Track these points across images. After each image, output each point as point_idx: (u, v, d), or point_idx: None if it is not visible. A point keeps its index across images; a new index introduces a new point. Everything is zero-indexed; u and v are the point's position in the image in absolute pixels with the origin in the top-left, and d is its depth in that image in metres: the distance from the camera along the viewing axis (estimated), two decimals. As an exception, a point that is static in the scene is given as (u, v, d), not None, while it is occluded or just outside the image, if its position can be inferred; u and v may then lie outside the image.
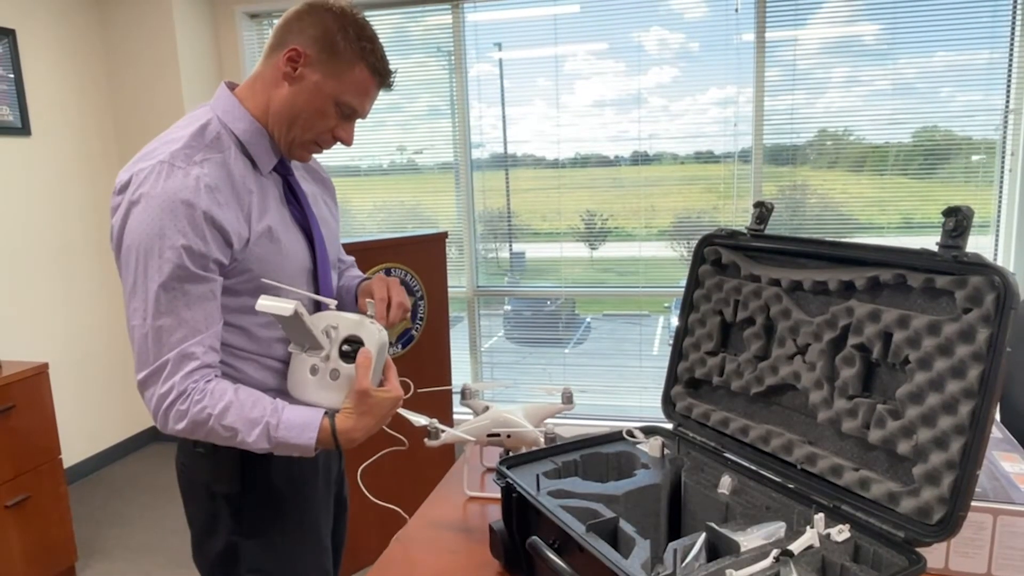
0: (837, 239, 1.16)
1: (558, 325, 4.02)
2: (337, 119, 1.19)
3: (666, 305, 3.88)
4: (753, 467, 1.21)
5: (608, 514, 1.10)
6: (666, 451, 1.32)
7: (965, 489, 0.94)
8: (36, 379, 2.60)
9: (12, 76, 3.35)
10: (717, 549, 1.02)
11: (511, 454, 1.38)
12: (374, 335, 1.17)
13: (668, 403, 1.43)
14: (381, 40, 1.20)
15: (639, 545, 1.01)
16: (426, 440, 1.32)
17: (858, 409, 1.09)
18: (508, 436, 1.43)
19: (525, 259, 3.98)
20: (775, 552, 0.96)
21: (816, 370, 1.16)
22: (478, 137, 3.81)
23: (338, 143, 1.23)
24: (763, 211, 1.30)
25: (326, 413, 1.13)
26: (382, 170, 4.01)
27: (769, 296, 1.25)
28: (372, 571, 1.23)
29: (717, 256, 1.36)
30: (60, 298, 3.65)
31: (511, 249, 3.97)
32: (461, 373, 3.97)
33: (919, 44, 3.21)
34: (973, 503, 1.08)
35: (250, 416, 1.09)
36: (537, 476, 1.18)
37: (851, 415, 1.10)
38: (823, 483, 1.11)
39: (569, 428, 1.68)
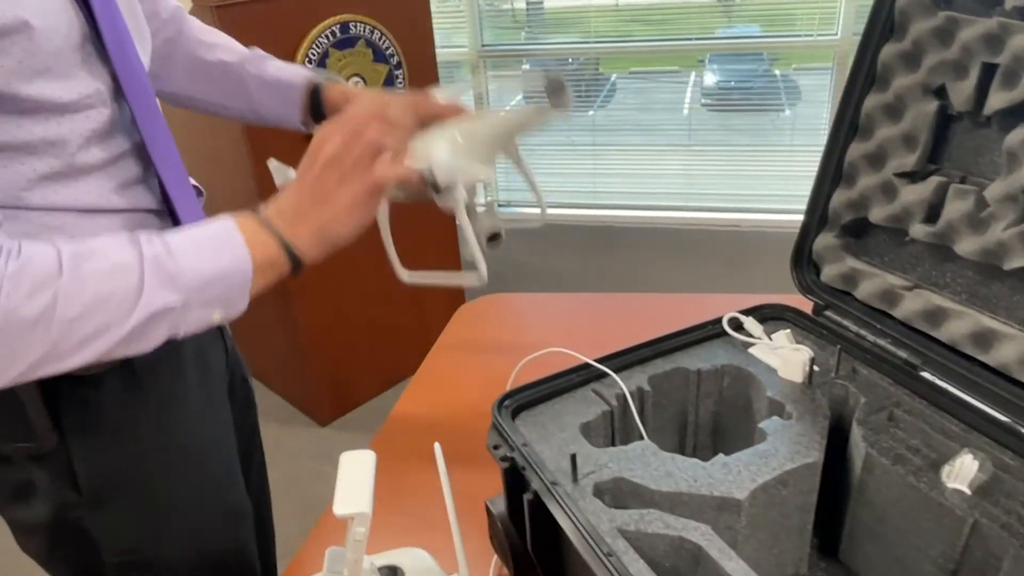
0: None
1: (581, 85, 3.39)
2: None
3: (700, 60, 3.24)
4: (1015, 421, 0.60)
5: (717, 550, 0.52)
6: (814, 367, 0.70)
7: None
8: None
9: None
10: None
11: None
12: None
13: (805, 267, 0.78)
14: None
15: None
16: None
17: None
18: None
19: (544, 9, 3.29)
20: None
21: None
22: None
23: None
24: None
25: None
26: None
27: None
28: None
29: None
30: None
31: (527, -4, 3.18)
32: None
33: None
34: None
35: (115, 261, 0.54)
36: (573, 457, 0.59)
37: None
38: None
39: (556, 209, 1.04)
